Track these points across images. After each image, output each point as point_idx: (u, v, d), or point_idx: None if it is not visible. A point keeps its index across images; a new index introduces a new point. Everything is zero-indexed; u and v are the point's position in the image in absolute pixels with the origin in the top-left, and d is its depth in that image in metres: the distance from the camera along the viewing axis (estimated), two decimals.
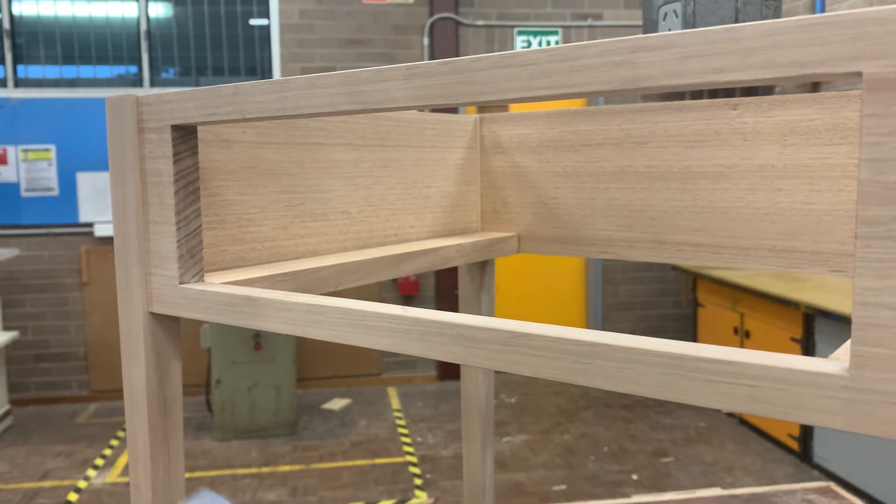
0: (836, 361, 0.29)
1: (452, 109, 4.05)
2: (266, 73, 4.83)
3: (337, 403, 4.52)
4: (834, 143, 0.61)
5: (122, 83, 4.76)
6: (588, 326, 5.28)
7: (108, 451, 3.78)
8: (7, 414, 4.11)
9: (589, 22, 5.04)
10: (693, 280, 4.56)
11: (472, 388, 0.86)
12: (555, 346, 0.35)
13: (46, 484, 3.38)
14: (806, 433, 3.47)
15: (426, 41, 4.84)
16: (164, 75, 4.80)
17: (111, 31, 4.71)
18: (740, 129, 0.65)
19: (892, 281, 0.27)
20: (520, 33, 4.99)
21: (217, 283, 0.52)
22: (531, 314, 5.19)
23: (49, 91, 4.61)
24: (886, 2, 2.48)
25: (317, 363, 4.85)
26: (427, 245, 0.70)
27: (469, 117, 0.81)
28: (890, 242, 0.27)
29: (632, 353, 0.33)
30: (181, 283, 0.51)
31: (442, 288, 4.94)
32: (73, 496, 3.24)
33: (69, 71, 4.69)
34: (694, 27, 0.83)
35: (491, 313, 0.87)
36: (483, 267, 0.85)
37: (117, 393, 4.61)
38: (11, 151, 4.56)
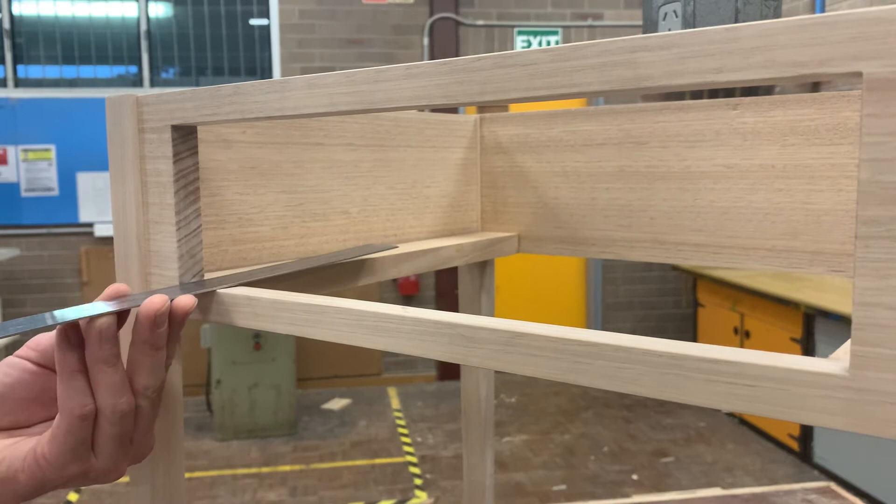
0: (836, 361, 0.29)
1: (452, 109, 4.05)
2: (266, 73, 4.83)
3: (337, 403, 4.52)
4: (834, 143, 0.61)
5: (122, 83, 4.76)
6: (588, 326, 5.28)
7: None
8: None
9: (589, 22, 5.03)
10: (693, 280, 4.56)
11: (472, 388, 0.86)
12: (555, 346, 0.35)
13: None
14: (806, 433, 3.47)
15: (426, 41, 4.84)
16: (164, 75, 4.80)
17: (111, 31, 4.71)
18: (740, 129, 0.65)
19: (892, 281, 0.27)
20: (520, 33, 4.98)
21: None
22: (531, 314, 5.19)
23: (49, 91, 4.61)
24: (886, 2, 2.48)
25: (317, 363, 4.85)
26: (427, 245, 0.70)
27: (469, 117, 0.81)
28: (890, 242, 0.27)
29: (632, 353, 0.33)
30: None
31: (442, 288, 4.94)
32: (73, 496, 3.24)
33: (69, 71, 4.69)
34: (694, 27, 0.83)
35: (491, 313, 0.87)
36: (483, 267, 0.85)
37: None
38: (11, 151, 4.56)
